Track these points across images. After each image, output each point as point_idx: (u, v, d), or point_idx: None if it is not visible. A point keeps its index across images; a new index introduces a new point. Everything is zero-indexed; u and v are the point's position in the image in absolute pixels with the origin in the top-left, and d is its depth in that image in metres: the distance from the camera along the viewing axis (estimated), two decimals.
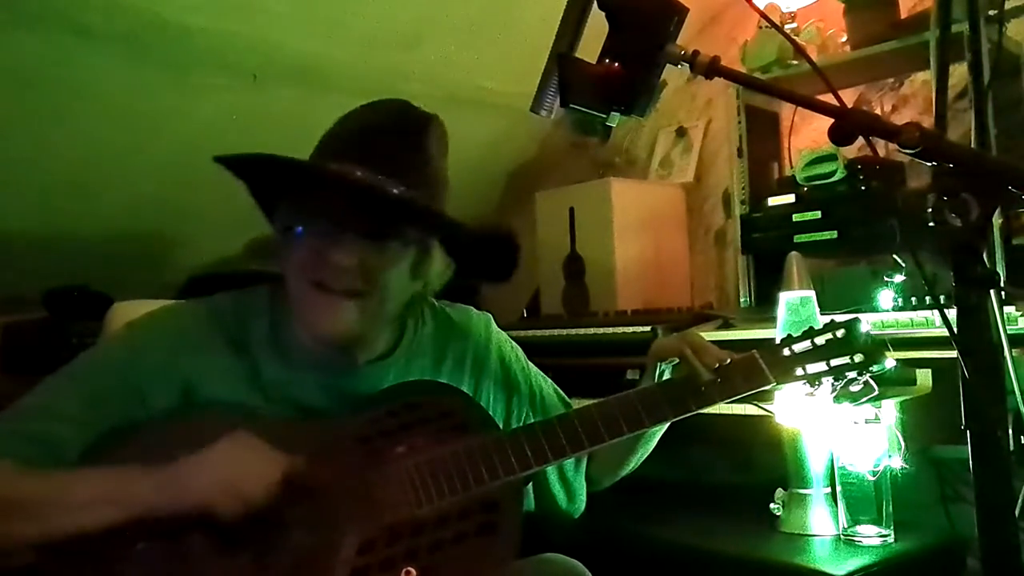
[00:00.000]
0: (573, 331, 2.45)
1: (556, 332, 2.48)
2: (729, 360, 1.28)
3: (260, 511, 1.10)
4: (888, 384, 1.54)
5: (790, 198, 2.39)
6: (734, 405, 1.38)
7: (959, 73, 1.89)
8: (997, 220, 2.03)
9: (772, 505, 1.88)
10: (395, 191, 1.17)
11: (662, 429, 1.37)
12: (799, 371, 1.29)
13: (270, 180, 1.22)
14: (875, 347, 1.28)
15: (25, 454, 1.13)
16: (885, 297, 2.00)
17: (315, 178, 1.19)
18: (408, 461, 1.20)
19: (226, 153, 1.17)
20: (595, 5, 1.07)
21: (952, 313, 0.92)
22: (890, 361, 1.27)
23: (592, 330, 2.41)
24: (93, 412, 1.17)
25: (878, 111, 2.66)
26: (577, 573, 1.28)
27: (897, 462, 1.75)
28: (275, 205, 1.26)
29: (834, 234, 2.28)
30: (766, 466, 2.08)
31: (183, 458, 1.12)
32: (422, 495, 1.18)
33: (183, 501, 1.09)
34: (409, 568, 1.14)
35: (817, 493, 1.86)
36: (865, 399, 1.31)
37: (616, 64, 1.05)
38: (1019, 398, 1.18)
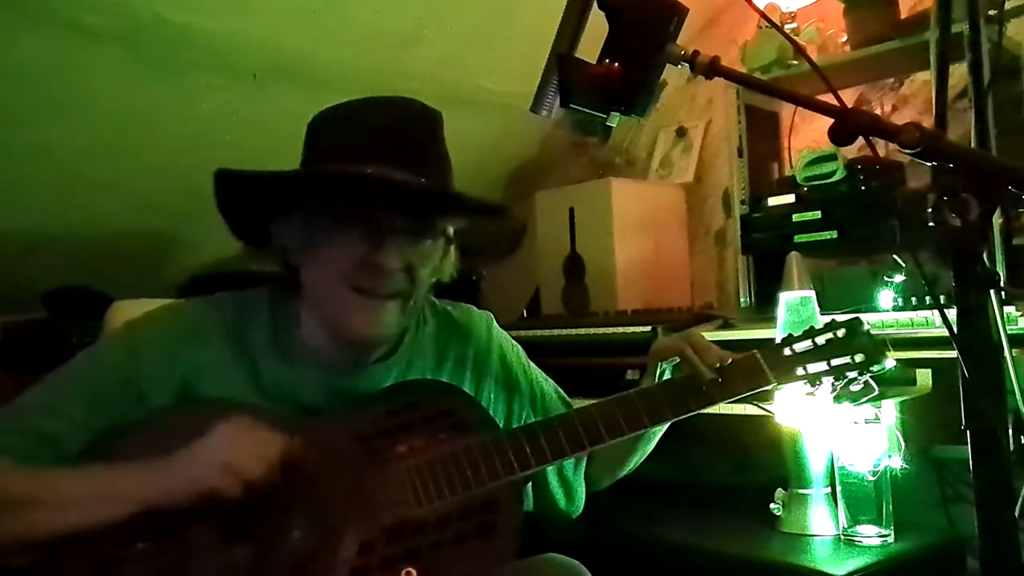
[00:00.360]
0: (573, 331, 2.45)
1: (556, 332, 2.49)
2: (730, 360, 1.28)
3: (259, 500, 1.10)
4: (888, 384, 1.54)
5: (790, 198, 2.39)
6: (734, 405, 1.38)
7: (959, 73, 1.89)
8: (997, 220, 2.03)
9: (772, 505, 1.88)
10: (449, 190, 1.20)
11: (662, 429, 1.37)
12: (800, 371, 1.29)
13: (282, 191, 1.21)
14: (875, 347, 1.28)
15: (24, 452, 1.13)
16: (885, 297, 2.01)
17: (356, 185, 1.17)
18: (408, 461, 1.20)
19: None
20: (595, 5, 1.07)
21: (952, 313, 0.92)
22: (890, 361, 1.27)
23: (592, 330, 2.41)
24: (92, 410, 1.17)
25: (878, 111, 2.66)
26: (577, 573, 1.28)
27: (897, 462, 1.75)
28: (274, 215, 1.24)
29: (834, 234, 2.28)
30: (766, 466, 2.08)
31: (178, 451, 1.12)
32: (422, 495, 1.18)
33: (180, 488, 1.08)
34: (409, 568, 1.14)
35: (817, 493, 1.86)
36: (865, 399, 1.30)
37: (616, 64, 1.05)
38: (1019, 398, 1.18)
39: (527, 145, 3.33)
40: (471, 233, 1.30)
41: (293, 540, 1.13)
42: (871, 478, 1.74)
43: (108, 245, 2.62)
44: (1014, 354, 1.13)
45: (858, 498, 1.76)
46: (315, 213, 1.20)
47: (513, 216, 1.32)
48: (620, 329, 2.34)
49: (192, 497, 1.08)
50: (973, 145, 1.75)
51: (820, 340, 1.30)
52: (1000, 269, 2.03)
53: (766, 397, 1.44)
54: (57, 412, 1.17)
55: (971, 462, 0.90)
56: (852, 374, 1.27)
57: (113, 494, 1.09)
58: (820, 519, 1.84)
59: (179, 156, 2.50)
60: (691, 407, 1.28)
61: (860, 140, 0.96)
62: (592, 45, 1.07)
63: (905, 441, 1.75)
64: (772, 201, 2.43)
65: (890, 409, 1.77)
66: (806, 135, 2.72)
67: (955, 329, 0.91)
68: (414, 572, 1.14)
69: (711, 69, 1.01)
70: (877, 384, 1.29)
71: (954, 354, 0.91)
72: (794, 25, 2.60)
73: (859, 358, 1.27)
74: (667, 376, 1.35)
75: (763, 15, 1.19)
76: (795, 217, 2.35)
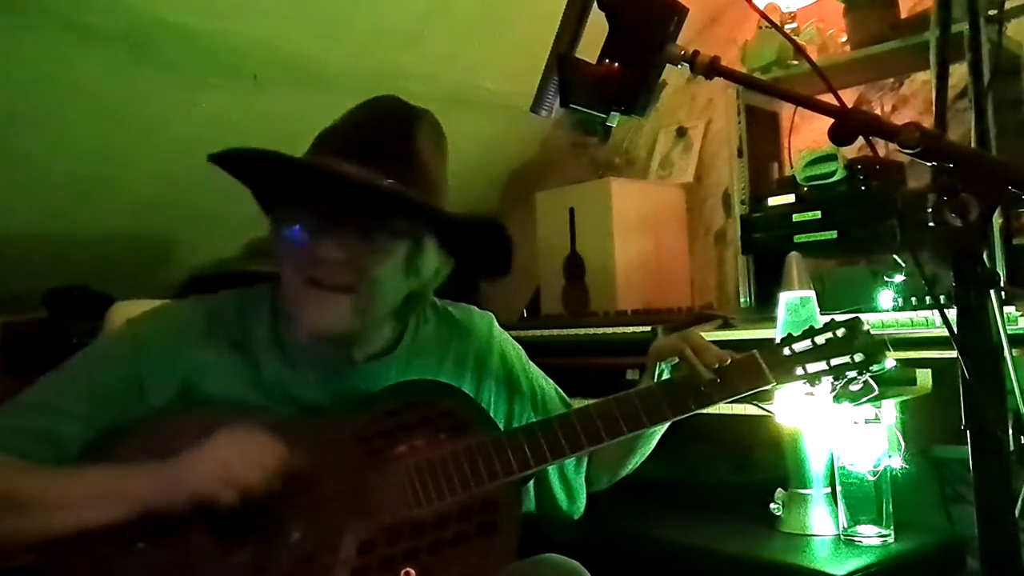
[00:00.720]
0: (573, 331, 2.45)
1: (556, 332, 2.49)
2: (729, 360, 1.28)
3: (258, 503, 1.10)
4: (888, 384, 1.54)
5: (790, 198, 2.39)
6: (734, 405, 1.38)
7: (959, 73, 1.89)
8: (997, 220, 2.03)
9: (772, 505, 1.88)
10: (382, 183, 1.17)
11: (662, 429, 1.37)
12: (799, 371, 1.29)
13: (264, 178, 1.22)
14: (875, 347, 1.28)
15: (25, 450, 1.13)
16: (885, 297, 2.01)
17: (299, 172, 1.19)
18: (408, 461, 1.20)
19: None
20: (595, 5, 1.07)
21: (952, 313, 0.92)
22: (890, 361, 1.27)
23: (592, 330, 2.41)
24: (94, 408, 1.17)
25: (878, 111, 2.66)
26: (577, 573, 1.28)
27: (897, 462, 1.75)
28: (273, 204, 1.26)
29: (834, 234, 2.28)
30: (766, 466, 2.08)
31: (181, 454, 1.12)
32: (422, 495, 1.18)
33: (179, 492, 1.09)
34: (409, 568, 1.14)
35: (817, 493, 1.86)
36: (865, 399, 1.30)
37: (616, 64, 1.05)
38: (1019, 398, 1.18)
39: (527, 145, 3.33)
40: (460, 246, 1.29)
41: (293, 540, 1.13)
42: (871, 478, 1.74)
43: (108, 245, 2.62)
44: (1014, 354, 1.13)
45: (858, 498, 1.76)
46: (285, 205, 1.21)
47: (495, 224, 1.29)
48: (620, 329, 2.34)
49: (190, 502, 1.09)
50: (973, 145, 1.75)
51: (819, 340, 1.30)
52: (1000, 269, 2.03)
53: (766, 397, 1.44)
54: (58, 410, 1.17)
55: (971, 462, 0.90)
56: (851, 374, 1.27)
57: (113, 495, 1.09)
58: (820, 519, 1.84)
59: (179, 156, 2.49)
60: (690, 407, 1.28)
61: (860, 140, 0.96)
62: (592, 45, 1.07)
63: (905, 441, 1.75)
64: (772, 201, 2.43)
65: (890, 409, 1.77)
66: (806, 135, 2.72)
67: (955, 329, 0.91)
68: (413, 572, 1.14)
69: (711, 69, 1.01)
70: (877, 384, 1.29)
71: (954, 354, 0.91)
72: (794, 25, 2.60)
73: (858, 358, 1.27)
74: (665, 376, 1.35)
75: (763, 15, 1.19)
76: (795, 217, 2.35)
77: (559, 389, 1.49)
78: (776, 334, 1.81)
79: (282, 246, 1.22)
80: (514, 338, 1.49)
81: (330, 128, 1.25)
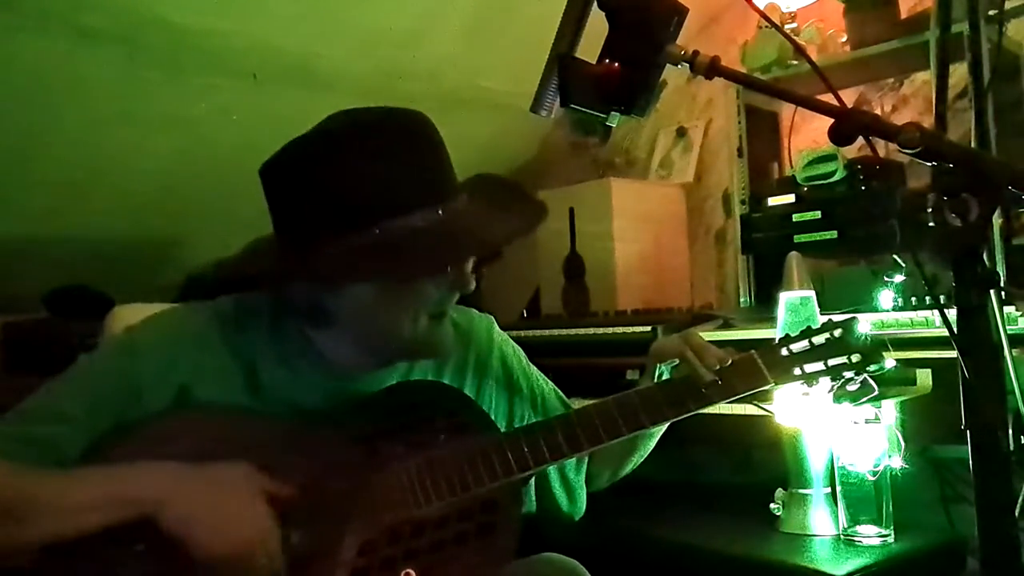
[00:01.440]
0: (573, 331, 2.45)
1: (556, 332, 2.48)
2: (730, 361, 1.28)
3: None
4: (888, 384, 1.54)
5: (790, 198, 2.39)
6: (734, 405, 1.38)
7: (959, 73, 1.89)
8: (997, 220, 2.03)
9: (772, 505, 1.88)
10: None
11: (661, 430, 1.37)
12: (797, 371, 1.29)
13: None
14: (872, 347, 1.28)
15: (26, 457, 1.12)
16: (885, 297, 2.01)
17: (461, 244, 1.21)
18: (408, 462, 1.20)
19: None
20: (595, 5, 1.07)
21: (952, 313, 0.92)
22: (889, 361, 1.27)
23: (592, 330, 2.41)
24: (92, 415, 1.17)
25: (878, 111, 2.66)
26: (577, 573, 1.28)
27: (897, 462, 1.75)
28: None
29: (834, 234, 2.28)
30: (766, 466, 2.08)
31: (184, 468, 1.11)
32: (421, 496, 1.18)
33: (169, 528, 1.08)
34: (409, 569, 1.14)
35: (817, 493, 1.86)
36: (865, 399, 1.31)
37: (616, 64, 1.05)
38: (1019, 398, 1.18)
39: (527, 145, 3.33)
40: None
41: (294, 541, 1.13)
42: (871, 478, 1.74)
43: (108, 245, 2.62)
44: (1014, 354, 1.13)
45: (858, 498, 1.76)
46: (409, 261, 1.18)
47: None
48: (620, 329, 2.33)
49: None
50: (973, 145, 1.75)
51: (817, 340, 1.30)
52: (1000, 269, 2.02)
53: (765, 397, 1.44)
54: (58, 416, 1.16)
55: (971, 462, 0.90)
56: (849, 374, 1.27)
57: (114, 503, 1.08)
58: (820, 519, 1.84)
59: (179, 156, 2.50)
60: (690, 407, 1.28)
61: (860, 140, 0.96)
62: (592, 45, 1.07)
63: (905, 441, 1.75)
64: (772, 201, 2.43)
65: (890, 409, 1.76)
66: (806, 135, 2.72)
67: (955, 329, 0.91)
68: (414, 572, 1.14)
69: (711, 69, 1.01)
70: (877, 384, 1.29)
71: (954, 354, 0.91)
72: (794, 25, 2.60)
73: (856, 358, 1.27)
74: (665, 377, 1.35)
75: (763, 15, 1.19)
76: (795, 217, 2.35)
77: (558, 390, 1.49)
78: (776, 334, 1.81)
79: (398, 295, 1.20)
80: (514, 338, 1.49)
81: (391, 175, 1.16)
